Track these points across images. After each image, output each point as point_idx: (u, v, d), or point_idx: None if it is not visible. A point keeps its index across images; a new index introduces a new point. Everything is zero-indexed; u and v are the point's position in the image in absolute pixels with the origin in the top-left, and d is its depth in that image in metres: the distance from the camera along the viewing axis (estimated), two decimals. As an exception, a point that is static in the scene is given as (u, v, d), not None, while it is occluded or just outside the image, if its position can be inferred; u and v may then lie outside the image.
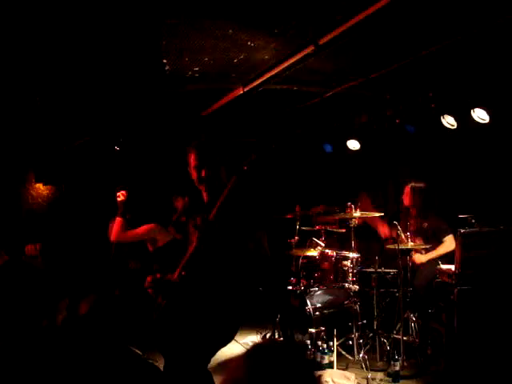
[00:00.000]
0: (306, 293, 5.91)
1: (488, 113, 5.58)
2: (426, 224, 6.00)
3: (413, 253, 5.94)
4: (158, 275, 3.33)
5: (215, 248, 3.27)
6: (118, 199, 4.82)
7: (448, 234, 5.87)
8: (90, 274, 6.24)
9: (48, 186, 7.33)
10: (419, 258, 5.91)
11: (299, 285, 6.08)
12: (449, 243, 5.83)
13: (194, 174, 3.52)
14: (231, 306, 3.24)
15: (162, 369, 3.41)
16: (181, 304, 3.26)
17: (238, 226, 3.33)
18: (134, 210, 4.90)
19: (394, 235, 5.84)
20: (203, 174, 3.46)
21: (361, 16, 4.13)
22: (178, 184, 5.66)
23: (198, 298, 3.24)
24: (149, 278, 3.37)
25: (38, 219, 7.08)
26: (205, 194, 3.56)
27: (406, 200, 6.22)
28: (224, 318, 3.22)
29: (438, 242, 5.88)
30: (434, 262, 5.65)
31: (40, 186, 7.29)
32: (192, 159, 3.52)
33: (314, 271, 6.25)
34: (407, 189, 6.22)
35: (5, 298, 4.67)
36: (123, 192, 4.84)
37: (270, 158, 7.53)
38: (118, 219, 4.80)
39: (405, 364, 5.18)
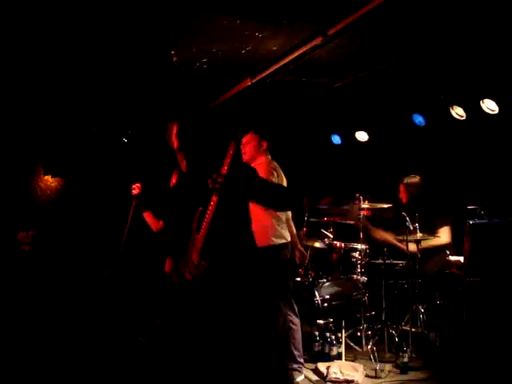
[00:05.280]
0: (315, 284, 5.91)
1: (497, 103, 5.54)
2: (423, 218, 5.68)
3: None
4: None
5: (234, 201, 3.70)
6: (133, 192, 4.82)
7: (442, 227, 5.82)
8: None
9: (56, 178, 7.33)
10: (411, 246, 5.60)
11: (307, 276, 6.08)
12: (443, 236, 5.78)
13: (176, 143, 4.02)
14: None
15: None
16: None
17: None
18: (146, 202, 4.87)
19: (387, 238, 5.82)
20: (183, 142, 3.96)
21: (370, 6, 4.11)
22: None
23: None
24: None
25: (47, 211, 7.10)
26: (183, 163, 3.98)
27: (403, 198, 6.16)
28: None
29: (431, 233, 5.73)
30: (442, 253, 5.60)
31: (48, 178, 7.30)
32: (175, 128, 4.01)
33: (323, 262, 6.25)
34: (401, 187, 6.16)
35: None
36: (138, 185, 4.83)
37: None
38: (145, 214, 4.81)
39: (413, 355, 5.18)
